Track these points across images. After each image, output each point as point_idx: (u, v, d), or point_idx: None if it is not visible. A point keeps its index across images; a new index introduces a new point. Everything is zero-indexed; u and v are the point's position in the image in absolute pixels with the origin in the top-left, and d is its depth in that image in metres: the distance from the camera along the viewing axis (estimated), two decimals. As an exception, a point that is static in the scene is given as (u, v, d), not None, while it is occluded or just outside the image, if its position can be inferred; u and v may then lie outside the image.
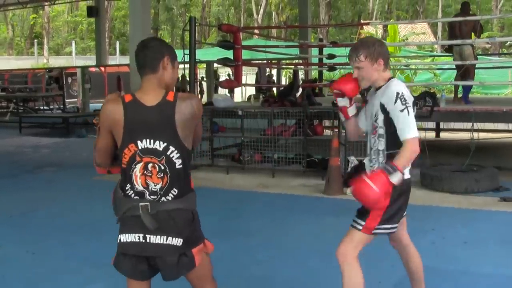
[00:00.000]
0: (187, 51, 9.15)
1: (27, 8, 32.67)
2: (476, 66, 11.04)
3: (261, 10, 41.75)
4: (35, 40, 44.01)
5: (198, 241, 2.61)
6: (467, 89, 9.95)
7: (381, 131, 3.10)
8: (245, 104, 12.48)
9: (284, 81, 22.00)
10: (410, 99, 3.00)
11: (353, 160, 7.78)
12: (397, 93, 2.99)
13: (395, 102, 2.98)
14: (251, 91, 19.37)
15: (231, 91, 18.89)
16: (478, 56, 14.60)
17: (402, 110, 2.96)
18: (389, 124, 3.04)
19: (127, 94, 2.56)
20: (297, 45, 14.77)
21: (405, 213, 3.25)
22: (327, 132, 9.74)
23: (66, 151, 12.26)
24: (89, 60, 32.34)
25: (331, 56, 11.68)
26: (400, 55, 19.70)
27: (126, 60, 26.16)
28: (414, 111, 3.01)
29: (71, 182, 8.47)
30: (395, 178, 2.90)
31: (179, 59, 2.75)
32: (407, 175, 3.09)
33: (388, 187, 2.91)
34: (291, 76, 19.87)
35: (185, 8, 46.91)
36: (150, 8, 14.46)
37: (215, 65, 18.97)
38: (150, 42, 2.62)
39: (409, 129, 2.96)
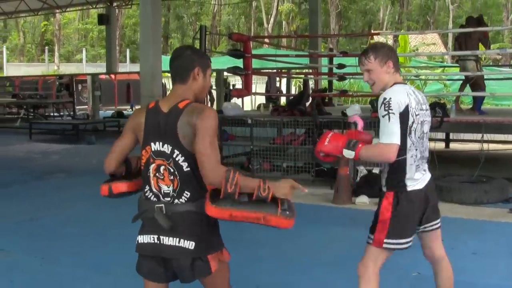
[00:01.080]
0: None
1: (39, 15, 32.86)
2: (487, 77, 10.99)
3: (271, 20, 41.84)
4: (46, 47, 44.25)
5: (215, 247, 2.62)
6: (480, 100, 9.89)
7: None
8: (255, 112, 12.48)
9: (294, 90, 21.99)
10: (396, 105, 2.92)
11: (362, 170, 7.77)
12: (384, 99, 2.96)
13: (380, 108, 2.96)
14: (261, 100, 19.39)
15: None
16: (488, 68, 14.57)
17: (383, 116, 2.93)
18: None
19: (153, 101, 2.65)
20: (307, 55, 14.76)
21: (434, 225, 3.18)
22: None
23: (76, 157, 12.30)
24: (99, 68, 32.56)
25: (341, 66, 11.66)
26: (410, 66, 19.72)
27: (136, 67, 26.27)
28: (398, 118, 2.92)
29: (80, 189, 8.48)
30: (347, 153, 3.00)
31: None
32: (412, 187, 3.02)
33: (336, 151, 3.04)
34: (301, 86, 19.88)
35: (195, 17, 47.13)
36: (161, 16, 14.51)
37: (225, 73, 19.05)
38: (182, 52, 2.65)
39: (384, 134, 2.93)
